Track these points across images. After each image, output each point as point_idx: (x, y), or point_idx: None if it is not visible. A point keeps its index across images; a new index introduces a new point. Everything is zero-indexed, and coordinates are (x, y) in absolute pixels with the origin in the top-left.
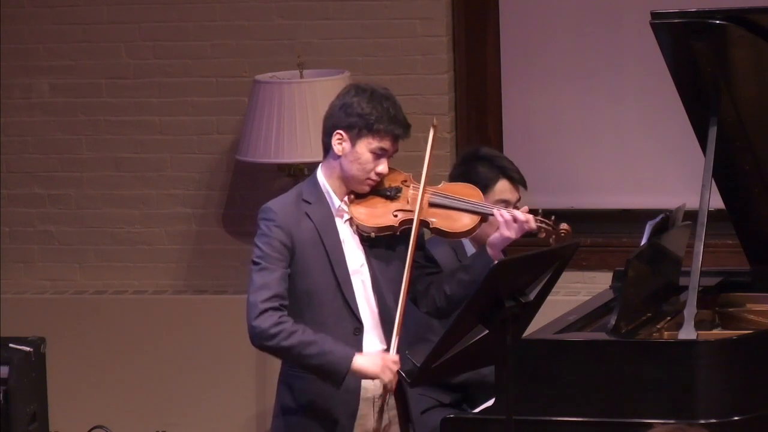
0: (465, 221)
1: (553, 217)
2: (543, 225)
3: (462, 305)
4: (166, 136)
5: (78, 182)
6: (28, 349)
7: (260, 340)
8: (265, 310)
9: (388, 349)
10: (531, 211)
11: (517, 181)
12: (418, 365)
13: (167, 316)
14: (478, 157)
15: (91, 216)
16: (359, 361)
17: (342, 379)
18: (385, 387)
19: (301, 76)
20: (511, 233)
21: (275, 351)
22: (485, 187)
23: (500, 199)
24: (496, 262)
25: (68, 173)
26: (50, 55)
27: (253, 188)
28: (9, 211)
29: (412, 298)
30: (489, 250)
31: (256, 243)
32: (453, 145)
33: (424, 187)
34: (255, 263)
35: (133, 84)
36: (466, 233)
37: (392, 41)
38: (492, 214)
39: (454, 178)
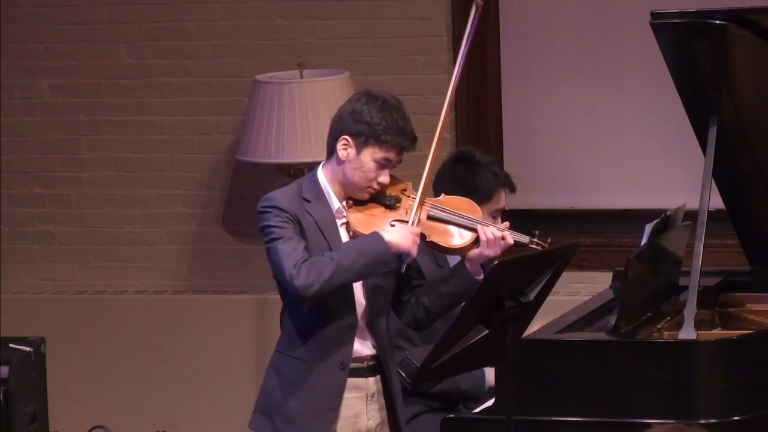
0: (462, 237)
1: (549, 240)
2: (539, 249)
3: (461, 308)
4: (166, 136)
5: (78, 182)
6: (28, 349)
7: (308, 290)
8: (298, 269)
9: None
10: (526, 233)
11: (510, 188)
12: (418, 365)
13: (167, 316)
14: (477, 164)
15: (91, 216)
16: (390, 238)
17: (392, 257)
18: (410, 257)
19: (301, 76)
20: (490, 252)
21: (326, 287)
22: (488, 197)
23: (497, 208)
24: (476, 277)
25: (68, 173)
26: (50, 55)
27: (253, 188)
28: (9, 211)
29: (393, 307)
30: (468, 265)
31: (268, 224)
32: (453, 145)
33: (424, 199)
34: (274, 239)
35: (133, 84)
36: (462, 249)
37: (392, 41)
38: (476, 230)
39: (448, 179)
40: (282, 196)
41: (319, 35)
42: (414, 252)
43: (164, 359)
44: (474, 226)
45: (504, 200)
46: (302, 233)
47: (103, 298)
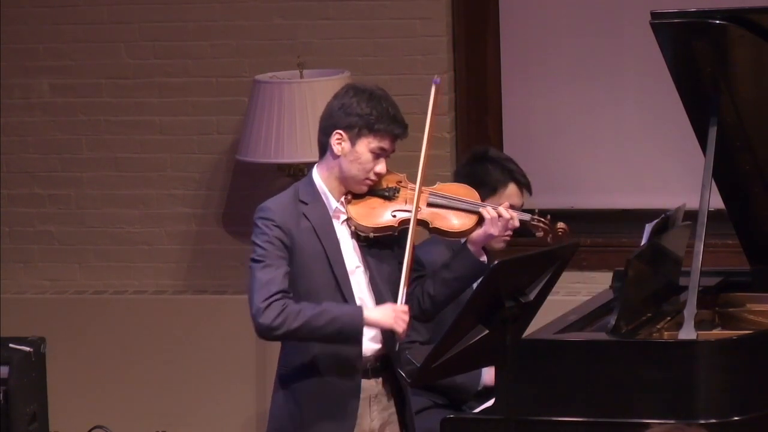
0: (463, 221)
1: (548, 216)
2: (540, 224)
3: (447, 304)
4: (166, 136)
5: (78, 182)
6: (28, 349)
7: (269, 332)
8: (268, 306)
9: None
10: (527, 211)
11: (525, 186)
12: (418, 365)
13: (167, 316)
14: (488, 159)
15: (91, 216)
16: (371, 315)
17: (360, 336)
18: (397, 335)
19: (301, 76)
20: (494, 230)
21: (288, 336)
22: (494, 190)
23: (507, 203)
24: (480, 259)
25: (68, 173)
26: (50, 55)
27: (253, 188)
28: (9, 211)
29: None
30: (470, 247)
31: (255, 242)
32: (453, 145)
33: (422, 187)
34: (256, 261)
35: (133, 84)
36: (465, 233)
37: (392, 41)
38: (477, 212)
39: (461, 177)
40: (277, 205)
41: (319, 35)
42: (399, 329)
43: (164, 359)
44: (475, 209)
45: (516, 196)
46: (292, 246)
47: (103, 298)
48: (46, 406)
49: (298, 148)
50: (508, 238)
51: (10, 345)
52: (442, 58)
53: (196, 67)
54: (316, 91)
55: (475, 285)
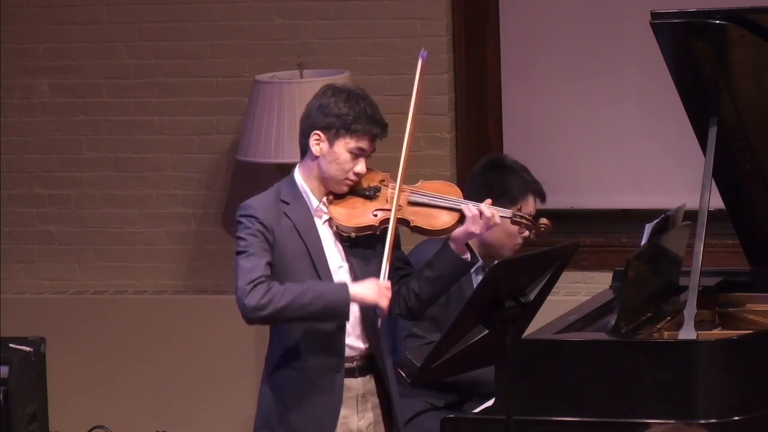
0: (445, 218)
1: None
2: (523, 221)
3: (442, 303)
4: (166, 136)
5: (78, 182)
6: (28, 349)
7: (255, 313)
8: (253, 287)
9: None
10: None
11: (541, 196)
12: (418, 365)
13: (167, 316)
14: (506, 168)
15: (91, 216)
16: (356, 290)
17: (348, 310)
18: (381, 310)
19: (301, 76)
20: (475, 228)
21: (275, 316)
22: (515, 200)
23: (525, 212)
24: (462, 257)
25: (68, 173)
26: (50, 55)
27: (253, 188)
28: (9, 211)
29: None
30: (452, 245)
31: (239, 236)
32: (453, 145)
33: (403, 186)
34: (240, 252)
35: (133, 84)
36: (447, 230)
37: (392, 41)
38: (458, 210)
39: (477, 184)
40: (258, 202)
41: (319, 35)
42: (383, 304)
43: (164, 359)
44: (456, 206)
45: (532, 206)
46: (274, 243)
47: (103, 298)
48: (46, 406)
49: (298, 148)
50: (518, 246)
51: (10, 345)
52: (442, 58)
53: (196, 67)
54: (316, 91)
55: (461, 282)
